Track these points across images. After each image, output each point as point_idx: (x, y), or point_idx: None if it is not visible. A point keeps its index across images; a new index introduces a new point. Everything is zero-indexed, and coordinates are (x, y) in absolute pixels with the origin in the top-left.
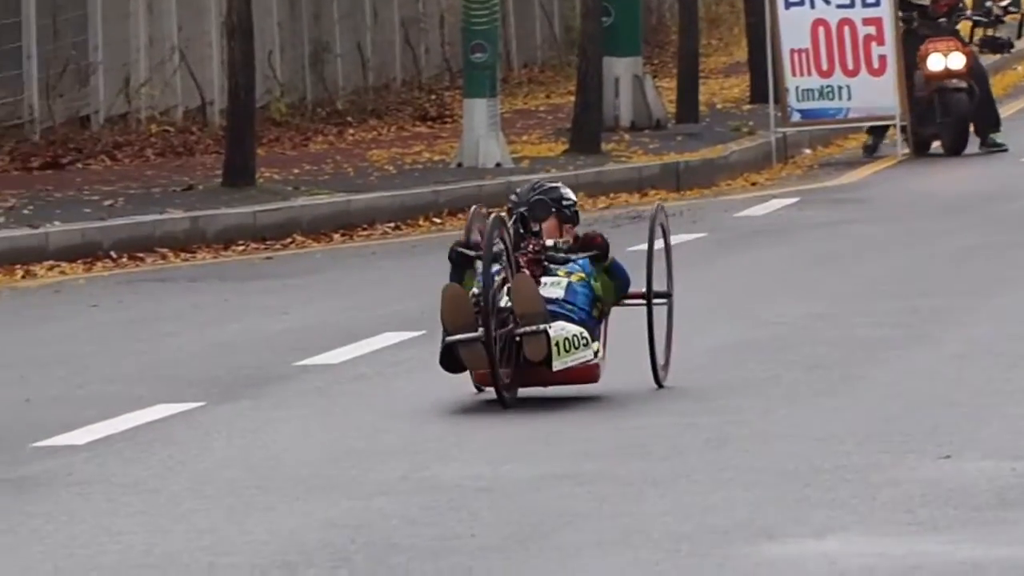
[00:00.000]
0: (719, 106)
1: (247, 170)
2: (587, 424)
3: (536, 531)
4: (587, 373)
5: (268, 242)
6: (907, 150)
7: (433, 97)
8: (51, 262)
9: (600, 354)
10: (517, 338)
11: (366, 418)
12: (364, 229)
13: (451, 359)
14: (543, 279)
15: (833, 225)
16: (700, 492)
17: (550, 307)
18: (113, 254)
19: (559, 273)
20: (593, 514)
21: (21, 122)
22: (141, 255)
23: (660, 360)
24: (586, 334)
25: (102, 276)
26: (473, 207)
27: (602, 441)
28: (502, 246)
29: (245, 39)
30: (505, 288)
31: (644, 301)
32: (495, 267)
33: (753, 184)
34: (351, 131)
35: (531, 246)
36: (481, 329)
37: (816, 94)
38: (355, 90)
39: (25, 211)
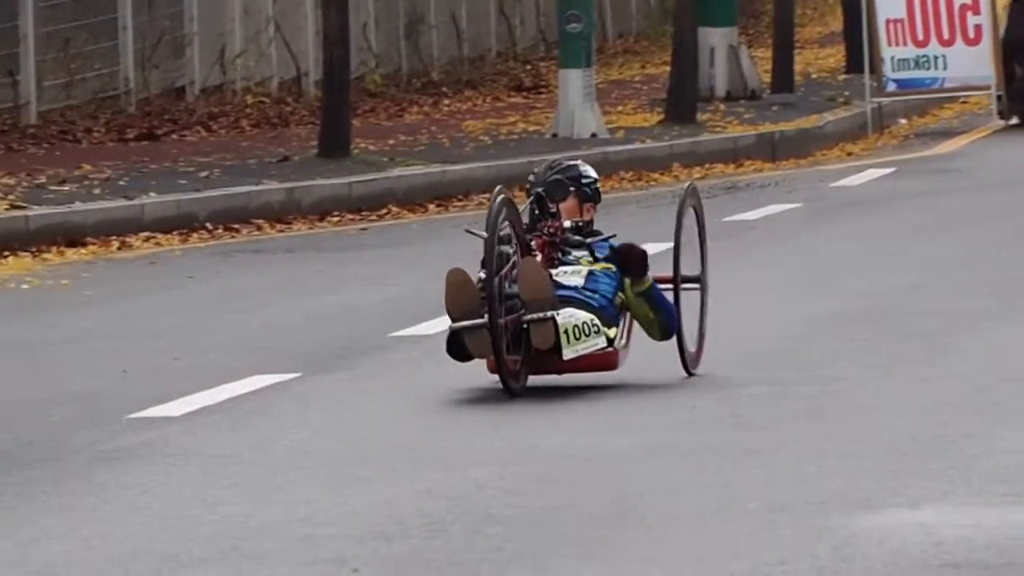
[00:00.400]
0: (814, 76)
1: (342, 141)
2: (684, 395)
3: (633, 501)
4: (604, 360)
5: (363, 213)
6: (1002, 120)
7: (528, 67)
8: (147, 233)
9: (622, 341)
10: (524, 325)
11: (461, 388)
12: (459, 199)
13: (458, 347)
14: (563, 268)
15: (930, 195)
16: (797, 463)
17: (567, 294)
18: (209, 225)
19: (582, 262)
20: (690, 484)
21: (117, 93)
22: (236, 226)
23: (691, 348)
24: (597, 321)
25: (198, 247)
26: (498, 187)
27: (699, 411)
28: (509, 229)
29: (340, 10)
30: (514, 273)
31: (672, 286)
32: (507, 250)
33: (849, 154)
34: (446, 102)
35: (547, 228)
36: (487, 315)
37: (912, 64)
38: (450, 61)
39: (121, 182)
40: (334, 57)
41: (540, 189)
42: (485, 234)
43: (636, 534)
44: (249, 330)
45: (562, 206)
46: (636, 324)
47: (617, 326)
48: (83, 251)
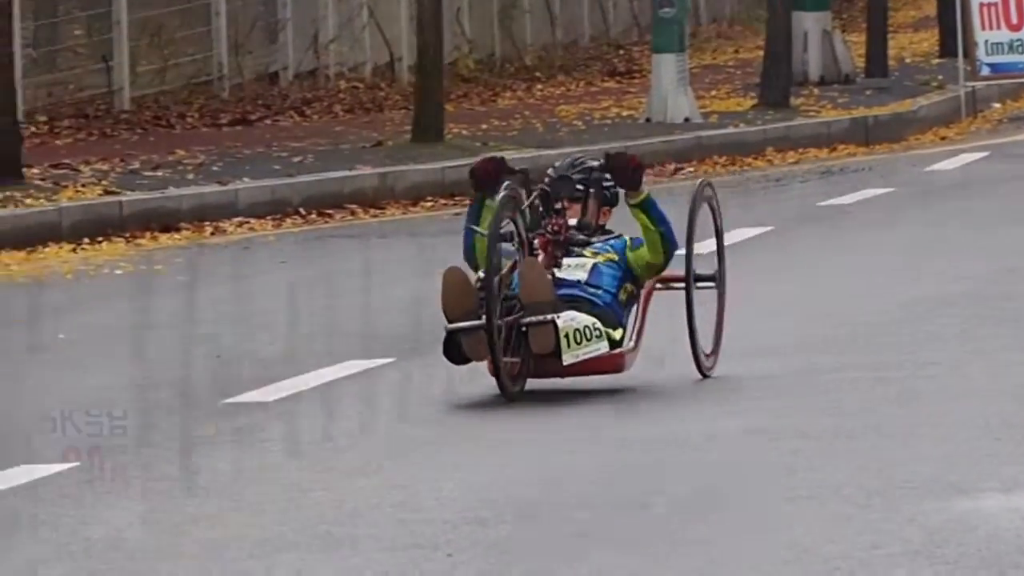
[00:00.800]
0: (908, 60)
1: (436, 126)
2: (777, 380)
3: (726, 486)
4: (610, 364)
5: (456, 198)
6: None
7: (621, 52)
8: (240, 218)
9: (631, 344)
10: (524, 328)
11: None
12: None
13: (455, 349)
14: (565, 260)
15: None
16: (890, 447)
17: (570, 290)
18: (302, 210)
19: (585, 254)
20: (782, 469)
21: (210, 79)
22: (330, 211)
23: (706, 349)
24: (600, 324)
25: (291, 232)
26: (506, 183)
27: (792, 396)
28: (512, 227)
29: None
30: (515, 273)
31: (684, 284)
32: (509, 248)
33: (942, 138)
34: (539, 87)
35: (551, 226)
36: (484, 316)
37: (1006, 48)
38: (543, 46)
39: (214, 168)
40: (427, 42)
41: (547, 186)
42: (485, 231)
43: (728, 518)
44: (342, 315)
45: (577, 206)
46: (645, 324)
47: (623, 326)
48: (176, 236)
